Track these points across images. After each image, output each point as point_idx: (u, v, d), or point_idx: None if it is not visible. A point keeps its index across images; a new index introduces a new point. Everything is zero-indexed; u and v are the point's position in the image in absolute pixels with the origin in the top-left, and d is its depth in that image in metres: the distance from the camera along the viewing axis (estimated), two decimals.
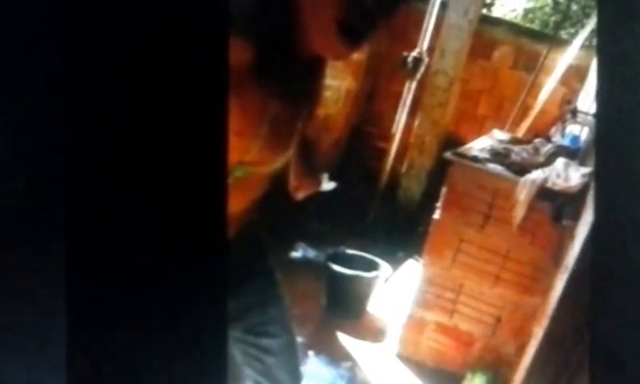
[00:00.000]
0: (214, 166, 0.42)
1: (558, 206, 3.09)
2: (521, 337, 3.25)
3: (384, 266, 4.10)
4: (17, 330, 0.37)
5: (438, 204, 3.42)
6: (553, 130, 4.73)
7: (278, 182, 1.60)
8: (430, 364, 3.56)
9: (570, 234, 2.91)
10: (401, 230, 5.32)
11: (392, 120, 5.44)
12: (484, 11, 6.76)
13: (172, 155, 0.39)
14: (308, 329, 3.63)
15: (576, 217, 2.91)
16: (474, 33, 5.61)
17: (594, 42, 5.55)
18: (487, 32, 5.90)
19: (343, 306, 3.95)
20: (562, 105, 4.90)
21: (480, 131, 5.28)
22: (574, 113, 4.18)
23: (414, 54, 4.78)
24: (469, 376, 3.39)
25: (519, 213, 3.13)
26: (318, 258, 4.49)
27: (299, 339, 2.49)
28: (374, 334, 3.86)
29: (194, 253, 0.41)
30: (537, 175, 3.19)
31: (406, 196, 5.90)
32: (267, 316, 1.70)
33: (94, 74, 0.34)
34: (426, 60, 4.83)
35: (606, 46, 0.52)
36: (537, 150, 3.78)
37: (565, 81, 5.59)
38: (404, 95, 5.21)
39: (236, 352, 1.69)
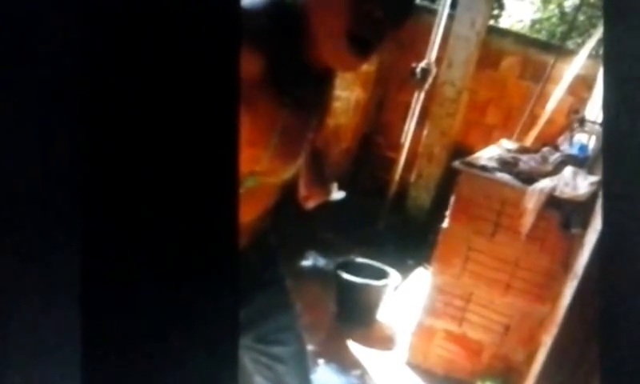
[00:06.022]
0: (226, 175, 0.42)
1: (566, 214, 3.08)
2: (530, 345, 3.24)
3: (393, 274, 4.09)
4: (31, 334, 0.37)
5: (447, 213, 3.42)
6: (560, 138, 4.72)
7: (289, 191, 1.61)
8: (440, 372, 3.55)
9: (578, 242, 2.91)
10: (410, 238, 5.31)
11: (401, 130, 5.44)
12: (491, 22, 6.76)
13: (184, 165, 0.39)
14: (318, 337, 3.62)
15: (584, 225, 2.90)
16: (482, 43, 5.62)
17: (601, 51, 5.55)
18: (495, 43, 5.90)
19: (353, 314, 3.94)
20: (570, 114, 4.89)
21: (488, 141, 5.26)
22: (582, 122, 4.17)
23: (423, 64, 4.78)
24: None
25: (528, 221, 3.12)
26: (328, 267, 4.49)
27: (309, 347, 2.49)
28: (383, 342, 3.86)
29: (206, 262, 0.41)
30: (545, 184, 3.19)
31: (415, 205, 5.90)
32: (278, 324, 1.69)
33: (107, 84, 0.35)
34: (434, 71, 4.83)
35: (612, 55, 0.53)
36: (545, 159, 3.77)
37: (572, 90, 5.58)
38: (412, 105, 5.21)
39: (247, 360, 1.68)
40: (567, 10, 9.97)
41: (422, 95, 5.08)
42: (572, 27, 7.39)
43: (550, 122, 5.48)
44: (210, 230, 0.42)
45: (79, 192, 0.35)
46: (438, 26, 4.99)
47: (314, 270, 4.61)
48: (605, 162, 0.55)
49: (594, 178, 3.28)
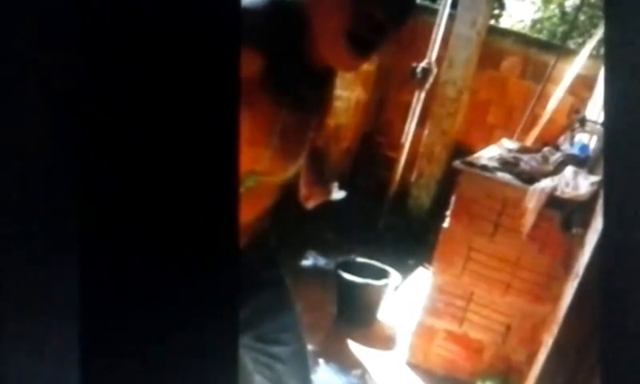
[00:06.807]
0: (226, 175, 0.42)
1: (567, 214, 3.08)
2: (531, 345, 3.24)
3: (394, 274, 4.10)
4: (31, 335, 0.37)
5: (448, 212, 3.42)
6: (561, 138, 4.72)
7: (289, 191, 1.61)
8: (440, 372, 3.55)
9: (579, 242, 2.91)
10: (411, 238, 5.31)
11: (401, 130, 5.44)
12: (492, 22, 6.76)
13: (184, 165, 0.39)
14: (318, 337, 3.62)
15: (585, 225, 2.90)
16: (482, 43, 5.62)
17: (602, 51, 5.55)
18: (495, 42, 5.90)
19: (353, 314, 3.94)
20: (571, 114, 4.89)
21: (489, 140, 5.26)
22: (583, 122, 4.17)
23: (423, 64, 4.78)
24: None
25: (529, 221, 3.12)
26: (329, 267, 4.49)
27: (310, 347, 2.49)
28: (384, 341, 3.86)
29: (206, 261, 0.41)
30: (546, 184, 3.18)
31: (415, 205, 5.90)
32: (278, 324, 1.69)
33: (107, 85, 0.35)
34: (434, 70, 4.82)
35: (613, 55, 0.53)
36: (546, 159, 3.77)
37: (573, 90, 5.57)
38: (413, 105, 5.21)
39: (247, 360, 1.68)
40: (568, 9, 9.97)
41: (423, 95, 5.08)
42: (573, 27, 7.40)
43: (550, 121, 5.47)
44: (210, 230, 0.42)
45: (78, 190, 0.35)
46: (439, 25, 4.99)
47: (315, 270, 4.61)
48: (606, 161, 0.55)
49: (595, 178, 3.28)
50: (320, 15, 1.29)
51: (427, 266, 4.45)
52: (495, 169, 3.38)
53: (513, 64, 5.98)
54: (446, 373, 3.54)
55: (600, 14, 7.40)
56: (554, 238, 3.15)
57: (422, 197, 5.90)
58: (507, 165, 3.49)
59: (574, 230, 3.04)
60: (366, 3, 1.23)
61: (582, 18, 8.10)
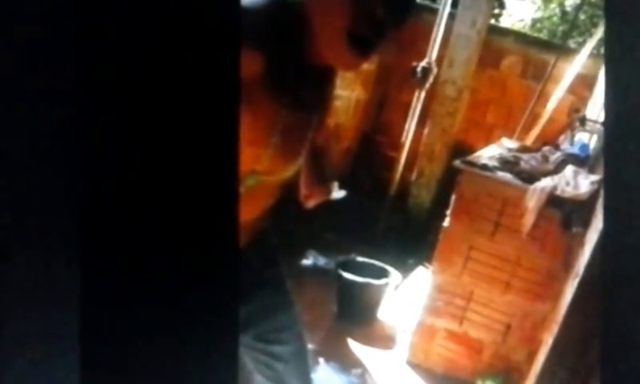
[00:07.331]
0: (226, 174, 0.42)
1: (567, 213, 3.08)
2: (531, 344, 3.24)
3: (394, 273, 4.09)
4: (31, 335, 0.37)
5: (448, 212, 3.42)
6: (561, 138, 4.72)
7: (289, 190, 1.61)
8: (440, 371, 3.55)
9: (579, 241, 2.91)
10: (411, 237, 5.31)
11: (401, 129, 5.43)
12: (492, 21, 6.76)
13: (184, 164, 0.39)
14: (319, 336, 3.62)
15: (585, 224, 2.90)
16: (483, 43, 5.61)
17: (602, 50, 5.55)
18: (495, 42, 5.89)
19: (354, 313, 3.94)
20: (571, 113, 4.89)
21: (489, 140, 5.27)
22: (583, 121, 4.17)
23: (423, 63, 4.78)
24: (479, 383, 3.39)
25: (529, 220, 3.12)
26: (329, 266, 4.48)
27: (310, 346, 2.48)
28: (384, 341, 3.86)
29: (206, 260, 0.42)
30: (546, 183, 3.18)
31: (415, 204, 5.89)
32: (278, 323, 1.70)
33: (107, 85, 0.35)
34: (434, 70, 4.82)
35: (613, 54, 0.52)
36: (546, 158, 3.77)
37: (573, 89, 5.57)
38: (413, 104, 5.20)
39: (247, 359, 1.68)
40: (568, 9, 9.98)
41: (423, 94, 5.07)
42: (573, 26, 7.39)
43: (550, 121, 5.47)
44: (210, 229, 0.42)
45: (78, 190, 0.35)
46: (439, 25, 4.98)
47: (315, 269, 4.60)
48: (606, 161, 0.55)
49: (595, 177, 3.28)
50: (320, 14, 1.29)
51: (427, 265, 4.45)
52: (495, 168, 3.37)
53: (513, 63, 5.98)
54: (446, 372, 3.54)
55: (600, 13, 7.41)
56: (554, 237, 3.15)
57: (422, 196, 5.89)
58: (507, 164, 3.48)
59: (574, 229, 3.04)
60: (366, 2, 1.23)
61: (582, 17, 8.11)
